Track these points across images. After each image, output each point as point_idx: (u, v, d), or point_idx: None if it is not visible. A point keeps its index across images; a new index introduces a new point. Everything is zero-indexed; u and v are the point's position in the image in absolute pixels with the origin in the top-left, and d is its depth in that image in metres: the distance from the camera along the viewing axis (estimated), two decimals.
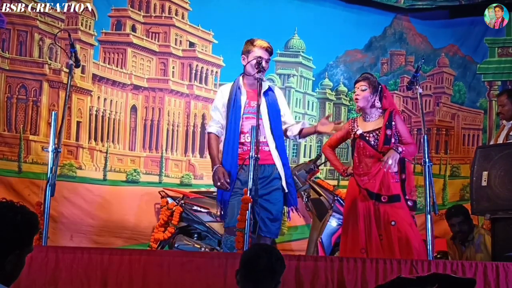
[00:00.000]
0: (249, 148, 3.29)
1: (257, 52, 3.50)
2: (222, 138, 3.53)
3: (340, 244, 3.83)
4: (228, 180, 3.37)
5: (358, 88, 3.72)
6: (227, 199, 3.44)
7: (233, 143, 3.45)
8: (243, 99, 3.52)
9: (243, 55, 3.57)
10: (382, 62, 5.80)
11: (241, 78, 3.59)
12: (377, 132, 3.69)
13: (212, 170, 3.47)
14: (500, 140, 4.46)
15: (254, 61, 3.44)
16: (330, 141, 3.96)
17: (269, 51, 3.55)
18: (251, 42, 3.56)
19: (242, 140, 3.48)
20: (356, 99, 3.73)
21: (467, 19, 5.72)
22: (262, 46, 3.52)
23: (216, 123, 3.57)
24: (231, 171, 3.42)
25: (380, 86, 3.76)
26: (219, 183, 3.40)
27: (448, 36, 5.82)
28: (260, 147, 3.35)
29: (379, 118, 3.74)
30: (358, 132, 3.69)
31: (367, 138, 3.68)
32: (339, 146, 4.14)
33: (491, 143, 4.80)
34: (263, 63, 3.48)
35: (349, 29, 5.69)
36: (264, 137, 3.49)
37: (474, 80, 5.83)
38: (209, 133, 3.60)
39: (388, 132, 3.64)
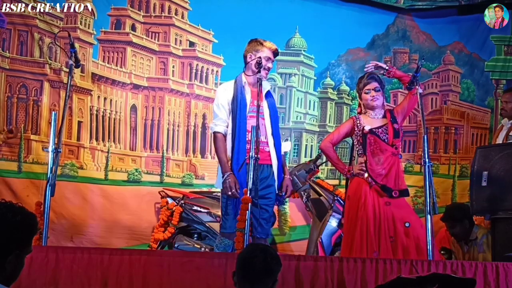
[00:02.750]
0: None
1: (266, 52, 3.56)
2: (229, 137, 3.50)
3: (342, 246, 3.79)
4: (239, 190, 3.35)
5: (371, 89, 3.72)
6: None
7: (243, 142, 3.44)
8: (248, 97, 3.53)
9: (250, 53, 3.58)
10: (386, 60, 5.75)
11: (243, 76, 3.60)
12: (385, 127, 3.70)
13: (223, 176, 3.40)
14: (500, 140, 4.45)
15: (264, 62, 3.49)
16: (331, 138, 3.85)
17: (276, 54, 3.63)
18: (259, 42, 3.59)
19: (246, 138, 3.48)
20: (374, 100, 3.72)
21: (471, 16, 5.65)
22: (272, 48, 3.59)
23: (223, 122, 3.52)
24: (241, 169, 3.40)
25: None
26: (230, 193, 3.36)
27: (453, 33, 5.75)
28: (261, 147, 3.38)
29: (381, 116, 3.77)
30: (367, 128, 3.67)
31: (377, 132, 3.68)
32: (340, 146, 4.13)
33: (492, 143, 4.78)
34: (269, 64, 3.56)
35: (351, 28, 5.65)
36: (265, 137, 3.51)
37: (483, 77, 5.76)
38: (216, 132, 3.52)
39: (396, 126, 3.69)
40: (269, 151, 3.51)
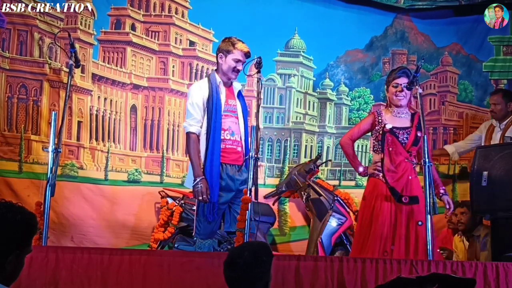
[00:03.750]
0: (229, 144, 3.44)
1: (237, 54, 3.52)
2: (203, 137, 3.50)
3: (352, 246, 3.77)
4: (209, 196, 3.38)
5: (400, 83, 3.64)
6: (216, 201, 3.43)
7: (218, 141, 3.45)
8: (223, 97, 3.52)
9: (221, 53, 3.56)
10: (384, 62, 5.77)
11: (217, 76, 3.57)
12: (408, 130, 3.64)
13: (195, 180, 3.41)
14: (495, 141, 4.46)
15: (234, 64, 3.48)
16: (351, 134, 3.78)
17: (248, 56, 3.56)
18: (231, 42, 3.55)
19: (221, 137, 3.49)
20: (399, 97, 3.65)
21: (470, 18, 5.67)
22: (243, 50, 3.54)
23: (197, 122, 3.51)
24: (213, 170, 3.41)
25: None
26: (200, 197, 3.39)
27: (451, 34, 5.77)
28: (233, 148, 3.46)
29: (406, 116, 3.71)
30: (388, 127, 3.61)
31: (397, 133, 3.62)
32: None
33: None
34: (239, 67, 3.53)
35: (349, 29, 5.66)
36: (239, 137, 3.54)
37: (481, 78, 5.77)
38: (190, 133, 3.50)
39: (419, 133, 3.61)
40: (242, 151, 3.53)
